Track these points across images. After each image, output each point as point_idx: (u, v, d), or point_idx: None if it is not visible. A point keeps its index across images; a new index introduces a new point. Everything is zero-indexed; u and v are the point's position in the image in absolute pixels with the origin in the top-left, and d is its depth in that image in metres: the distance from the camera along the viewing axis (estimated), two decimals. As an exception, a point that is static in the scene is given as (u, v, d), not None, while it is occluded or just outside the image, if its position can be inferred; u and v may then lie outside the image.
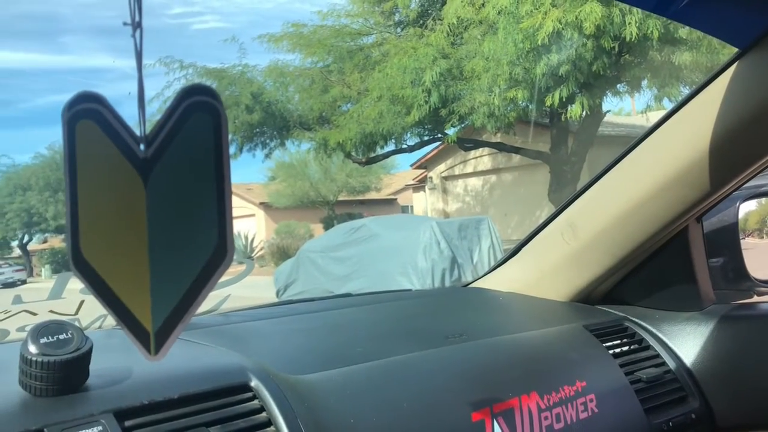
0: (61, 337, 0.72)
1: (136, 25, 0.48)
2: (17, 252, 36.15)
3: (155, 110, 12.89)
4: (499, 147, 13.43)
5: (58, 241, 34.73)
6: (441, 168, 19.53)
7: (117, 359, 0.85)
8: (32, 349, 0.70)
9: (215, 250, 0.46)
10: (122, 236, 0.46)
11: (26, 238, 34.78)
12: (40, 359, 0.70)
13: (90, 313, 1.15)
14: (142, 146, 0.47)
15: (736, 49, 1.03)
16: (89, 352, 0.73)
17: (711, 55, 8.93)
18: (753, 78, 1.01)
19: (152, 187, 0.46)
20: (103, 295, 0.46)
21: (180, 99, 0.46)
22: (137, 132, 0.47)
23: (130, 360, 0.84)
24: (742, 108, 1.03)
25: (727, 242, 1.32)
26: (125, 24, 0.48)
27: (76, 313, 1.15)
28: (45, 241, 35.83)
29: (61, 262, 31.25)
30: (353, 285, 8.94)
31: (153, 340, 0.47)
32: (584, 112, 10.23)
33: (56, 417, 0.68)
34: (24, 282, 26.80)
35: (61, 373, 0.70)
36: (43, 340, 0.71)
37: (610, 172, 1.26)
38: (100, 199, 0.46)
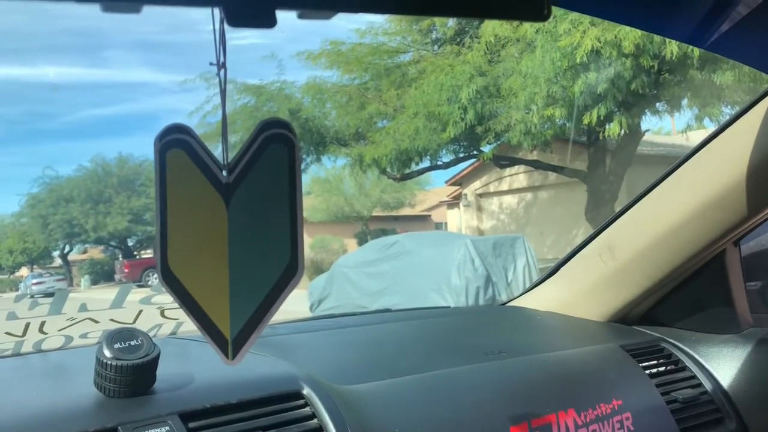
0: (133, 343, 0.78)
1: (221, 65, 0.54)
2: (58, 262, 37.02)
3: (196, 123, 13.18)
4: (536, 165, 13.38)
5: (97, 252, 35.49)
6: (476, 185, 19.49)
7: (178, 366, 0.91)
8: (107, 353, 0.76)
9: (287, 267, 0.52)
10: (205, 253, 0.52)
11: (67, 248, 35.61)
12: (114, 363, 0.76)
13: (146, 322, 1.22)
14: (224, 173, 0.52)
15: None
16: (157, 357, 0.79)
17: (754, 74, 8.80)
18: (790, 107, 1.04)
19: (233, 210, 0.52)
20: (187, 305, 0.52)
21: (259, 131, 0.52)
22: (220, 160, 0.53)
23: (190, 366, 0.90)
24: None
25: (765, 266, 1.34)
26: (211, 64, 0.54)
27: (134, 322, 1.21)
28: (85, 252, 36.63)
29: (100, 272, 31.92)
30: (386, 301, 8.97)
31: (231, 346, 0.52)
32: (622, 131, 10.14)
33: (128, 417, 0.74)
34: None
35: (133, 376, 0.77)
36: (116, 346, 0.77)
37: (648, 195, 1.29)
38: (186, 219, 0.52)
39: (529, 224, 17.67)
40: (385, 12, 0.46)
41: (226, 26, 0.54)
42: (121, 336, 0.78)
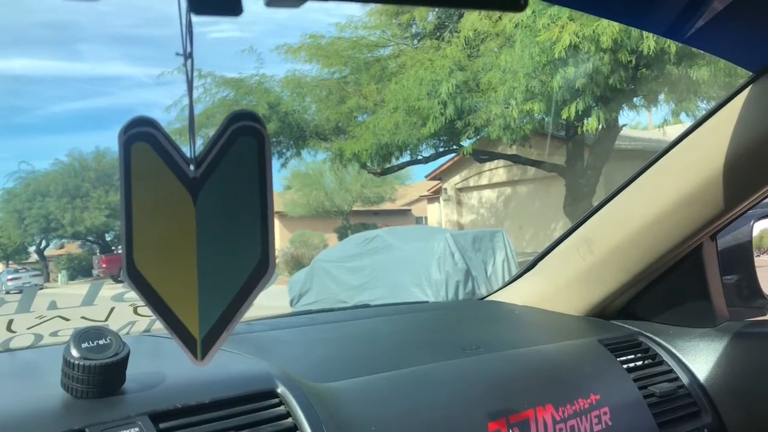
0: (101, 342, 0.76)
1: (188, 56, 0.52)
2: (34, 257, 36.51)
3: (173, 118, 13.03)
4: (515, 159, 13.45)
5: (74, 247, 35.06)
6: (456, 179, 19.54)
7: (149, 364, 0.89)
8: (74, 353, 0.74)
9: (258, 264, 0.50)
10: (173, 249, 0.50)
11: (43, 243, 35.13)
12: (81, 363, 0.74)
13: (119, 320, 1.19)
14: (191, 167, 0.51)
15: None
16: (127, 357, 0.77)
17: (729, 69, 8.91)
18: (765, 101, 1.04)
19: (201, 205, 0.50)
20: (153, 303, 0.50)
21: (227, 124, 0.51)
22: (188, 154, 0.51)
23: (162, 365, 0.88)
24: (756, 129, 1.06)
25: (741, 260, 1.34)
26: (177, 54, 0.52)
27: (106, 319, 1.19)
28: (62, 247, 36.16)
29: (78, 267, 31.55)
30: (367, 295, 8.98)
31: (200, 346, 0.50)
32: (600, 126, 10.22)
33: (96, 418, 0.72)
34: (41, 287, 27.06)
35: (101, 376, 0.74)
36: (84, 345, 0.75)
37: (625, 189, 1.29)
38: (152, 215, 0.50)
39: (509, 218, 17.77)
40: (357, 0, 0.45)
41: (194, 17, 0.52)
42: (89, 335, 0.76)
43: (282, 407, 0.83)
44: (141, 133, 0.50)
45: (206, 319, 0.51)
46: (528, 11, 8.82)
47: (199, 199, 0.50)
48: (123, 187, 0.50)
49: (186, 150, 0.51)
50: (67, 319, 1.15)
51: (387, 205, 26.54)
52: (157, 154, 0.50)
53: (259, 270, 0.50)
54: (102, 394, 0.75)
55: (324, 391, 0.90)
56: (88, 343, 0.75)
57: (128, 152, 0.50)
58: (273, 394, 0.84)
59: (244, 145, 0.50)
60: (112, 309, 1.17)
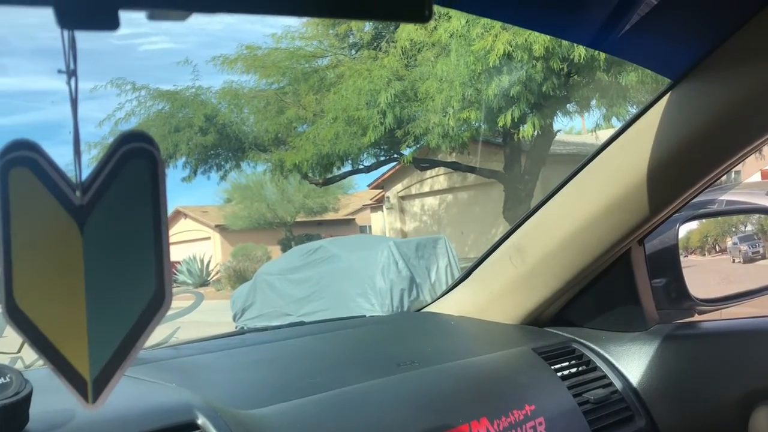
0: None
1: (71, 73, 0.48)
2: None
3: (107, 133, 12.70)
4: (454, 166, 13.61)
5: None
6: (398, 188, 19.65)
7: (57, 401, 0.83)
8: (-32, 395, 0.68)
9: (153, 297, 0.46)
10: (58, 284, 0.46)
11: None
12: (-24, 406, 0.68)
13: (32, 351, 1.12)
14: (77, 193, 0.46)
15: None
16: (29, 396, 0.72)
17: (655, 75, 9.23)
18: (684, 107, 1.06)
19: (88, 235, 0.46)
20: (38, 344, 0.46)
21: (116, 146, 0.47)
22: (73, 179, 0.47)
23: (71, 401, 0.82)
24: (676, 136, 1.08)
25: (668, 263, 1.37)
26: (60, 71, 0.48)
27: (19, 351, 1.12)
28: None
29: (9, 290, 30.21)
30: (311, 307, 8.89)
31: (91, 388, 0.46)
32: (536, 132, 10.47)
33: None
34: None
35: None
36: (-20, 386, 0.69)
37: (553, 197, 1.30)
38: (35, 246, 0.46)
39: (451, 224, 17.96)
40: (250, 12, 0.42)
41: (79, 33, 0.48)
42: (-15, 375, 0.70)
43: None
44: (20, 158, 0.45)
45: (97, 359, 0.46)
46: (462, 20, 8.95)
47: (87, 229, 0.46)
48: (0, 218, 0.45)
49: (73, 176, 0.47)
50: (-25, 354, 1.08)
51: (330, 216, 26.44)
52: (38, 180, 0.46)
53: (153, 304, 0.46)
54: None
55: (249, 419, 0.86)
56: (-15, 384, 0.69)
57: (6, 178, 0.45)
58: (193, 425, 0.80)
59: (135, 168, 0.47)
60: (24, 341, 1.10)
